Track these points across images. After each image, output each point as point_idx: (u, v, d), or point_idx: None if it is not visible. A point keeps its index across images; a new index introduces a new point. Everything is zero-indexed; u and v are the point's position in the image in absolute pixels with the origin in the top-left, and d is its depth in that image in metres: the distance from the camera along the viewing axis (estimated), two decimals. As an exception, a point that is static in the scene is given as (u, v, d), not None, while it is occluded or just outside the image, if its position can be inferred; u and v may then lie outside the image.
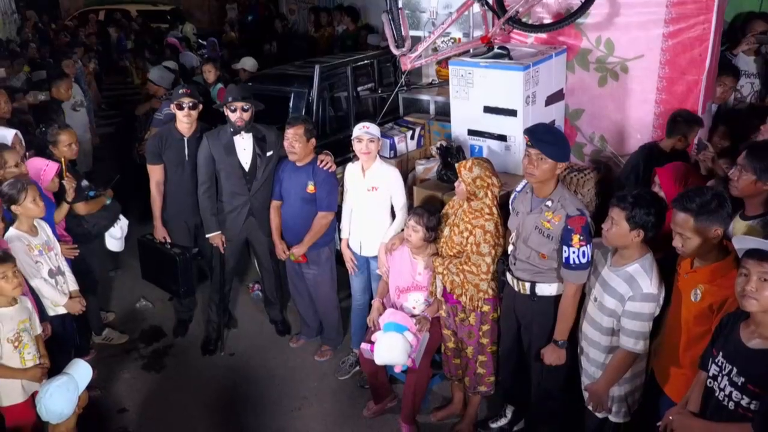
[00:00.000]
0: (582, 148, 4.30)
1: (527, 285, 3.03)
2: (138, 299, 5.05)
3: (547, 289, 3.00)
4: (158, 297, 5.01)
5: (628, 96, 3.96)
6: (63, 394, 2.64)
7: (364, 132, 3.68)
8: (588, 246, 2.78)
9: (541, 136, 2.87)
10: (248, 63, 6.88)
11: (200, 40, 11.92)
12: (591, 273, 2.84)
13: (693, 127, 3.56)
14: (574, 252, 2.77)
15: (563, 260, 2.83)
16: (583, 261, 2.79)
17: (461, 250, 3.25)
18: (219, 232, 4.07)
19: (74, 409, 2.67)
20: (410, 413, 3.56)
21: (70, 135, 3.99)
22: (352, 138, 3.74)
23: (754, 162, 2.59)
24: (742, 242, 2.03)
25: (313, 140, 3.88)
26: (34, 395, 2.82)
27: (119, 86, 10.33)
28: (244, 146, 3.96)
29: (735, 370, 2.04)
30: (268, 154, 4.00)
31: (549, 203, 2.88)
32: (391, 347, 3.37)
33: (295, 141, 3.79)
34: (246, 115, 3.91)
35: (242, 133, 3.92)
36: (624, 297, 2.57)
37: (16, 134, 3.79)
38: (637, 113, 3.94)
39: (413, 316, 3.54)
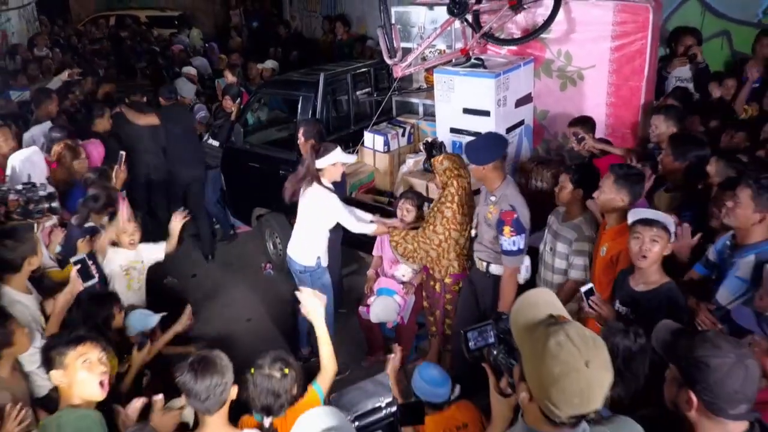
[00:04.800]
0: (549, 143, 5.01)
1: (484, 264, 3.67)
2: (165, 276, 5.74)
3: (497, 269, 3.61)
4: (182, 274, 5.74)
5: (584, 99, 4.65)
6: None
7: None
8: (519, 236, 3.35)
9: (469, 143, 3.50)
10: (270, 64, 7.66)
11: (206, 44, 12.50)
12: (546, 230, 3.54)
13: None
14: (506, 241, 3.38)
15: (500, 246, 3.45)
16: (514, 248, 3.38)
17: (425, 224, 3.84)
18: None
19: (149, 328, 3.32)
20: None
21: (108, 111, 5.09)
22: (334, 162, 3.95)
23: (672, 147, 3.36)
24: (636, 214, 2.70)
25: (312, 140, 4.36)
26: None
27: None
28: None
29: (629, 310, 2.71)
30: None
31: (493, 198, 3.50)
32: (384, 307, 4.12)
33: (298, 139, 4.49)
34: None
35: None
36: (572, 240, 3.29)
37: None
38: (591, 114, 4.56)
39: (402, 283, 4.26)
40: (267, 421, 2.31)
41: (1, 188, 3.04)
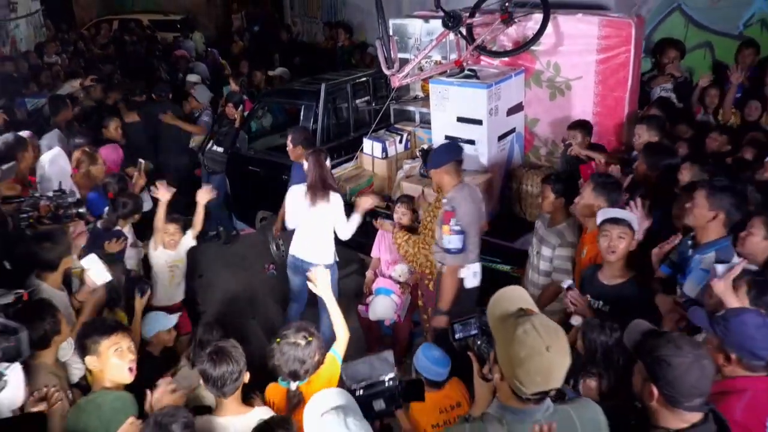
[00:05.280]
0: (539, 150, 5.26)
1: (438, 265, 3.83)
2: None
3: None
4: (189, 275, 5.97)
5: (572, 108, 4.89)
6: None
7: None
8: (457, 236, 3.49)
9: (431, 152, 3.73)
10: (279, 71, 8.05)
11: (208, 49, 12.65)
12: (534, 234, 3.78)
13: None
14: (445, 238, 3.54)
15: (442, 245, 3.62)
16: (452, 247, 3.53)
17: (424, 230, 4.09)
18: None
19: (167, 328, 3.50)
20: (396, 357, 4.52)
21: (117, 120, 5.43)
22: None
23: (646, 157, 3.61)
24: (605, 214, 2.97)
25: (300, 147, 4.65)
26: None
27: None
28: None
29: (601, 303, 2.96)
30: None
31: (444, 200, 3.68)
32: (382, 306, 4.36)
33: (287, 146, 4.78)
34: None
35: None
36: (555, 245, 3.53)
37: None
38: (579, 122, 4.89)
39: (399, 283, 4.51)
40: (294, 386, 2.53)
41: (34, 195, 3.31)
